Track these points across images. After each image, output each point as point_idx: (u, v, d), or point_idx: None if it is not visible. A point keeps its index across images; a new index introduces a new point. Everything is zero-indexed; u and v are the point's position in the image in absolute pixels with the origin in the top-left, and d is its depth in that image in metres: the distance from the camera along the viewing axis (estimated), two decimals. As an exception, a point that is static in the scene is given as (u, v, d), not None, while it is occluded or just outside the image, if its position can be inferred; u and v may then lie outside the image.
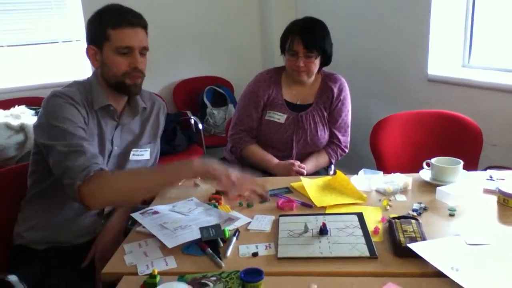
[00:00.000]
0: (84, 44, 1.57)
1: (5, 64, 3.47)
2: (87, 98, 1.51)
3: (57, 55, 3.60)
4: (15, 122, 2.90)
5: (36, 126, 1.47)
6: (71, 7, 3.53)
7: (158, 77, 3.89)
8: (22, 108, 3.05)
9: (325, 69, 2.20)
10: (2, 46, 3.39)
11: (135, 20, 1.49)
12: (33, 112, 3.01)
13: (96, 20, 1.50)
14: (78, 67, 3.48)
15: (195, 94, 3.93)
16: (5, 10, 3.35)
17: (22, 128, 2.89)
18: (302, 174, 1.97)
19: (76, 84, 1.55)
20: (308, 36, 2.02)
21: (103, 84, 1.54)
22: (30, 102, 3.15)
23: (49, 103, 1.45)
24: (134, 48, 1.48)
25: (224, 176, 1.33)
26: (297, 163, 2.03)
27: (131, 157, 1.63)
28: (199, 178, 1.68)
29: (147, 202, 1.60)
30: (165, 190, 1.60)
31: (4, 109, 3.05)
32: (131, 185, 1.39)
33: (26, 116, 2.96)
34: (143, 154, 1.67)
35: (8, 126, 2.88)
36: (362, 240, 1.26)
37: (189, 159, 1.56)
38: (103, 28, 1.47)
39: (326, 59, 2.11)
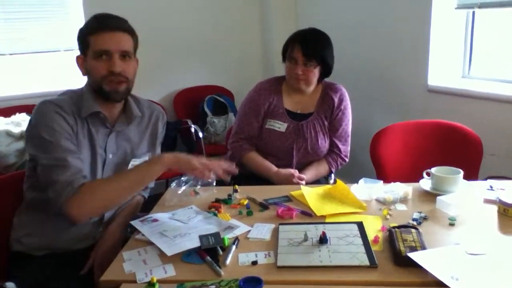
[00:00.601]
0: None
1: (7, 72, 3.49)
2: (77, 106, 1.51)
3: (59, 64, 3.61)
4: (15, 130, 2.91)
5: (26, 135, 1.51)
6: (73, 16, 3.56)
7: (159, 86, 3.91)
8: (23, 115, 3.05)
9: (326, 79, 2.21)
10: (4, 55, 3.40)
11: (113, 23, 1.48)
12: (33, 119, 3.01)
13: (81, 29, 1.52)
14: (79, 75, 3.48)
15: (196, 102, 3.94)
16: (8, 19, 3.38)
17: (22, 136, 2.89)
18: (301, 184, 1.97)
19: (69, 92, 1.56)
20: (308, 45, 2.04)
21: (93, 92, 1.54)
22: (31, 110, 3.11)
23: (37, 112, 1.47)
24: (112, 52, 1.46)
25: (195, 162, 1.45)
26: (296, 173, 2.02)
27: (130, 167, 1.62)
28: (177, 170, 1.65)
29: (147, 210, 1.60)
30: (144, 187, 1.63)
31: (5, 116, 3.06)
32: (112, 191, 1.45)
33: (26, 124, 2.96)
34: None
35: (8, 134, 2.89)
36: (362, 249, 1.26)
37: (160, 155, 1.57)
38: (85, 36, 1.48)
39: (326, 70, 2.12)
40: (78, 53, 1.55)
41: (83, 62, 1.53)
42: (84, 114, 1.51)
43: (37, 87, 3.52)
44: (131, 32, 1.52)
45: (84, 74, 1.55)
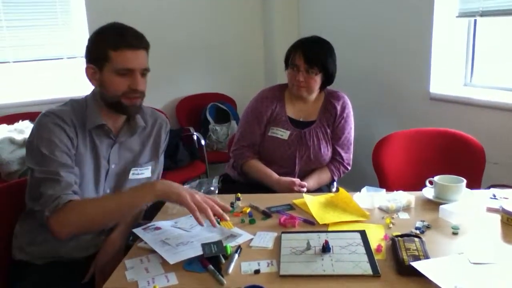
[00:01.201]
0: (88, 60, 1.57)
1: (10, 80, 3.51)
2: (81, 117, 1.51)
3: (62, 71, 3.63)
4: (18, 137, 2.92)
5: (26, 146, 1.51)
6: (77, 24, 3.58)
7: (162, 93, 3.92)
8: (26, 123, 3.07)
9: (329, 86, 2.21)
10: (8, 62, 3.42)
11: (136, 42, 1.48)
12: (36, 127, 3.02)
13: (97, 40, 1.49)
14: (82, 83, 3.50)
15: (198, 110, 3.95)
16: (12, 26, 3.40)
17: (25, 143, 2.90)
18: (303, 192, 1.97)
19: (72, 102, 1.56)
20: (310, 52, 2.05)
21: (100, 103, 1.53)
22: (34, 117, 3.11)
23: (37, 124, 1.48)
24: (135, 70, 1.47)
25: (188, 198, 1.36)
26: (298, 181, 2.02)
27: (131, 176, 1.63)
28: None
29: (149, 218, 1.60)
30: (132, 213, 1.52)
31: (8, 123, 3.07)
32: (99, 212, 1.42)
33: (29, 131, 2.97)
34: (143, 173, 1.66)
35: (11, 141, 2.90)
36: (365, 258, 1.25)
37: (153, 182, 1.54)
38: (104, 49, 1.46)
39: (328, 78, 2.12)
40: (81, 61, 1.56)
41: (94, 73, 1.50)
42: (89, 126, 1.51)
43: (40, 95, 3.54)
44: (147, 48, 1.53)
45: (95, 85, 1.54)
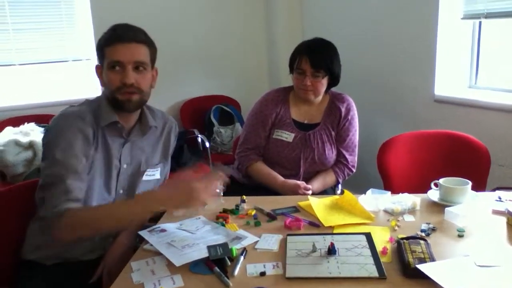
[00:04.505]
0: (93, 63, 1.59)
1: (16, 82, 3.53)
2: (96, 116, 1.53)
3: (67, 74, 3.65)
4: (24, 139, 2.93)
5: (42, 143, 1.52)
6: (82, 27, 3.60)
7: (166, 95, 3.93)
8: (32, 125, 3.08)
9: (333, 89, 2.22)
10: (14, 65, 3.44)
11: (126, 34, 1.48)
12: (42, 129, 3.04)
13: (99, 40, 1.53)
14: (88, 85, 3.52)
15: (203, 112, 3.96)
16: (17, 29, 3.42)
17: (31, 145, 2.92)
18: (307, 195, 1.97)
19: (88, 102, 1.58)
20: (316, 56, 2.05)
21: (109, 102, 1.55)
22: (40, 119, 3.19)
23: (54, 123, 1.48)
24: (124, 63, 1.46)
25: (191, 200, 1.34)
26: (303, 185, 2.02)
27: (144, 178, 1.64)
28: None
29: (154, 220, 1.60)
30: (136, 222, 1.48)
31: (14, 126, 3.09)
32: (99, 221, 1.40)
33: (35, 133, 3.00)
34: (154, 174, 1.68)
35: (17, 143, 2.91)
36: (370, 260, 1.25)
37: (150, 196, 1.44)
38: (101, 47, 1.50)
39: (333, 80, 2.13)
40: (86, 63, 1.57)
41: (100, 72, 1.54)
42: (103, 123, 1.52)
43: (45, 97, 3.55)
44: (147, 43, 1.53)
45: (102, 84, 1.56)
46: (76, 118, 1.48)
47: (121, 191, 1.60)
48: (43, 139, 1.51)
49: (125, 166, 1.59)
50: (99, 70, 1.54)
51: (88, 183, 1.49)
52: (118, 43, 1.47)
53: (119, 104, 1.51)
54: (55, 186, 1.40)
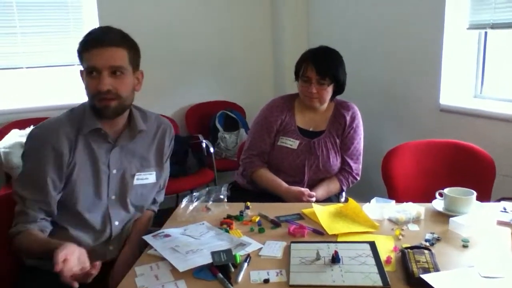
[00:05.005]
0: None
1: (23, 85, 3.55)
2: (78, 124, 1.51)
3: (74, 77, 3.66)
4: (30, 142, 2.94)
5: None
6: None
7: (171, 101, 3.95)
8: (37, 128, 3.09)
9: (338, 96, 2.22)
10: (21, 68, 3.47)
11: (103, 39, 1.43)
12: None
13: (78, 44, 1.49)
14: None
15: (207, 118, 3.97)
16: (25, 33, 3.44)
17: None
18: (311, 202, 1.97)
19: (72, 110, 1.57)
20: (321, 64, 2.06)
21: (91, 108, 1.53)
22: (45, 122, 3.20)
23: (29, 138, 1.50)
24: (100, 69, 1.42)
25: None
26: (307, 192, 2.02)
27: (136, 182, 1.62)
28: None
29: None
30: None
31: (20, 128, 3.11)
32: (32, 251, 1.44)
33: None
34: (147, 178, 1.65)
35: (22, 146, 2.92)
36: (374, 269, 1.25)
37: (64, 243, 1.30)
38: (79, 52, 1.47)
39: (339, 88, 2.13)
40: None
41: (83, 77, 1.51)
42: (85, 131, 1.50)
43: (52, 100, 3.57)
44: (125, 45, 1.47)
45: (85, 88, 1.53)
46: (50, 133, 1.47)
47: (113, 197, 1.59)
48: (23, 150, 1.53)
49: (114, 171, 1.57)
50: (82, 75, 1.50)
51: (76, 194, 1.50)
52: (93, 48, 1.42)
53: (97, 111, 1.49)
54: (18, 205, 1.46)
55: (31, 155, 1.48)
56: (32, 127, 3.07)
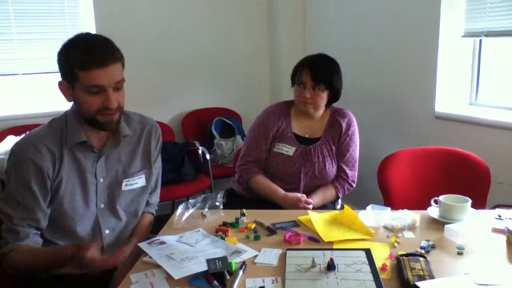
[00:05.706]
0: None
1: (19, 92, 3.55)
2: (61, 136, 1.49)
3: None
4: (25, 148, 2.93)
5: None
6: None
7: (168, 107, 3.94)
8: (33, 134, 3.08)
9: (334, 104, 2.23)
10: (18, 74, 3.46)
11: (104, 58, 1.38)
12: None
13: (64, 57, 1.43)
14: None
15: (204, 124, 3.97)
16: (22, 39, 3.44)
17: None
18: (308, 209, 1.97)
19: (52, 121, 1.54)
20: (317, 69, 2.07)
21: (79, 119, 1.50)
22: (42, 129, 3.19)
23: (11, 153, 1.47)
24: (105, 87, 1.40)
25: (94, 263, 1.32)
26: (304, 198, 2.02)
27: (124, 188, 1.61)
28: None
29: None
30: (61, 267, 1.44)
31: (16, 135, 3.10)
32: (33, 264, 1.44)
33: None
34: (136, 182, 1.65)
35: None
36: (370, 276, 1.25)
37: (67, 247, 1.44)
38: (71, 68, 1.39)
39: (334, 95, 2.14)
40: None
41: (68, 89, 1.45)
42: (70, 144, 1.49)
43: (48, 107, 3.56)
44: (120, 58, 1.45)
45: (69, 101, 1.49)
46: (31, 149, 1.44)
47: (102, 205, 1.58)
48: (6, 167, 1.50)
49: (101, 180, 1.57)
50: (64, 87, 1.45)
51: (64, 209, 1.50)
52: (96, 68, 1.37)
53: (99, 125, 1.47)
54: (5, 223, 1.45)
55: (13, 172, 1.46)
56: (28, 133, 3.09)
